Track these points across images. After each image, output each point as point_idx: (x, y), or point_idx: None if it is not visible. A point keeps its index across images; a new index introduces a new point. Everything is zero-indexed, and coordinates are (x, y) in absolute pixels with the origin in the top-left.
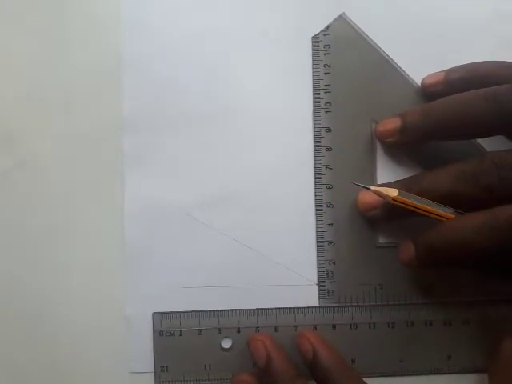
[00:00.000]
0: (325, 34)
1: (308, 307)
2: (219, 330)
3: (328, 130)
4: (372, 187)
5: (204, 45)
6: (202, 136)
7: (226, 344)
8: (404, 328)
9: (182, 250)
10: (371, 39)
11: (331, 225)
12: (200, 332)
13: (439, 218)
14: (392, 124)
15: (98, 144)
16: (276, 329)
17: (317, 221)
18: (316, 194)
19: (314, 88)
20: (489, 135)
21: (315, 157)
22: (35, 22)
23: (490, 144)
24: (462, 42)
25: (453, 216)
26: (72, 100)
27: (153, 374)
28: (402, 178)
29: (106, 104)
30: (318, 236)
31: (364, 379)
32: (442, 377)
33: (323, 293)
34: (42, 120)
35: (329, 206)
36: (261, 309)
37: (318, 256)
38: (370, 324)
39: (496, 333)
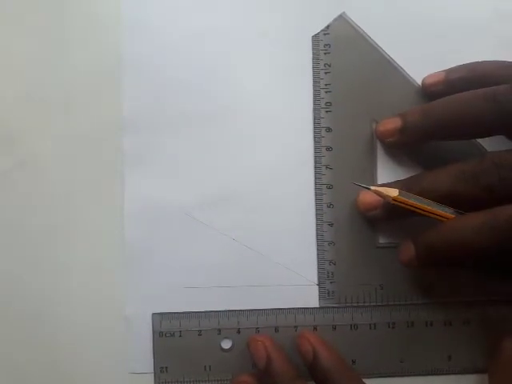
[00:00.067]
0: (325, 34)
1: (308, 308)
2: (219, 330)
3: (328, 129)
4: (372, 187)
5: (204, 45)
6: (201, 136)
7: (226, 345)
8: (404, 328)
9: (182, 250)
10: (371, 39)
11: (331, 225)
12: (200, 333)
13: (439, 217)
14: (392, 124)
15: (97, 144)
16: (276, 329)
17: (317, 221)
18: (316, 194)
19: (314, 88)
20: (489, 135)
21: (315, 157)
22: (35, 22)
23: (490, 144)
24: (462, 42)
25: (453, 216)
26: (72, 100)
27: (152, 374)
28: (402, 177)
29: (106, 104)
30: (318, 236)
31: (364, 380)
32: (443, 377)
33: (323, 293)
34: (42, 120)
35: (329, 206)
36: (261, 309)
37: (318, 256)
38: (370, 324)
39: (496, 333)
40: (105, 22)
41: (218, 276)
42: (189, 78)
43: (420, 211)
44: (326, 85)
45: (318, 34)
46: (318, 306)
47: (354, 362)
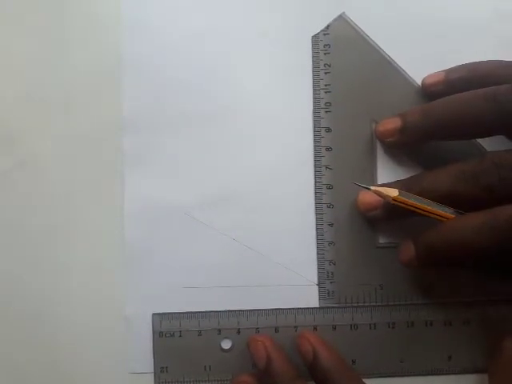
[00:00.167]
0: (325, 34)
1: (308, 308)
2: (219, 330)
3: (328, 129)
4: (372, 187)
5: (204, 45)
6: (201, 136)
7: (226, 345)
8: (404, 328)
9: (182, 250)
10: (371, 39)
11: (331, 225)
12: (200, 333)
13: (439, 217)
14: (392, 124)
15: (98, 144)
16: (276, 329)
17: (317, 221)
18: (316, 194)
19: (314, 88)
20: (489, 135)
21: (315, 157)
22: (35, 22)
23: (490, 144)
24: (462, 41)
25: (453, 216)
26: (72, 100)
27: (152, 374)
28: (402, 177)
29: (106, 104)
30: (318, 236)
31: (364, 380)
32: (443, 377)
33: (323, 293)
34: (42, 120)
35: (329, 206)
36: (261, 309)
37: (318, 256)
38: (370, 324)
39: (496, 333)
40: (105, 22)
41: (218, 276)
42: (189, 78)
43: (420, 211)
44: (325, 85)
45: (318, 34)
46: (317, 306)
47: (353, 362)
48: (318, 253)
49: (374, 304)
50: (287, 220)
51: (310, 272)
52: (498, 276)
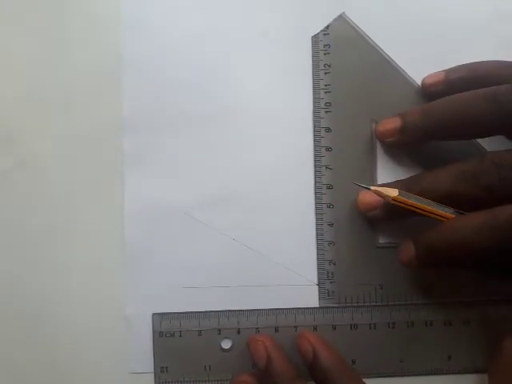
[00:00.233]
0: (325, 34)
1: (308, 308)
2: (219, 330)
3: (328, 129)
4: (372, 187)
5: (204, 45)
6: (201, 136)
7: (226, 345)
8: (404, 328)
9: (182, 250)
10: (371, 39)
11: (331, 225)
12: (200, 333)
13: (439, 217)
14: (392, 124)
15: (98, 144)
16: (276, 329)
17: (317, 221)
18: (316, 194)
19: (314, 88)
20: (489, 135)
21: (315, 157)
22: (35, 22)
23: (490, 144)
24: (462, 42)
25: (453, 216)
26: (72, 100)
27: (153, 374)
28: (402, 177)
29: (106, 104)
30: (318, 236)
31: (364, 380)
32: (443, 377)
33: (323, 293)
34: (42, 120)
35: (329, 206)
36: (261, 309)
37: (318, 256)
38: (370, 324)
39: (496, 333)
40: (105, 22)
41: (218, 276)
42: (189, 78)
43: (420, 211)
44: (325, 85)
45: (318, 34)
46: (317, 305)
47: (353, 361)
48: (317, 253)
49: (374, 304)
50: (287, 220)
51: (309, 272)
52: (497, 276)
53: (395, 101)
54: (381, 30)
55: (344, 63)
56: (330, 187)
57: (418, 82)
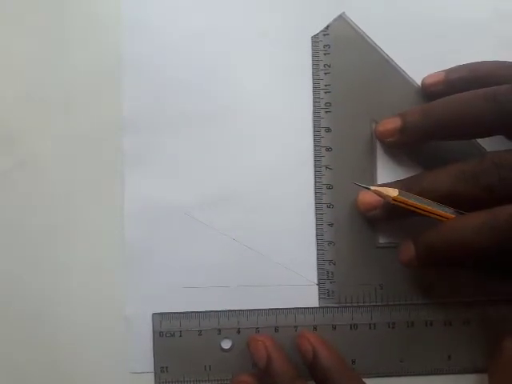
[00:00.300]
0: (325, 34)
1: (308, 307)
2: (219, 330)
3: (328, 129)
4: (372, 187)
5: (204, 45)
6: (202, 136)
7: (226, 345)
8: (404, 328)
9: (182, 250)
10: (371, 39)
11: (331, 225)
12: (200, 333)
13: (439, 217)
14: (392, 124)
15: (98, 144)
16: (276, 329)
17: (317, 221)
18: (316, 194)
19: (314, 88)
20: (489, 135)
21: (315, 157)
22: (35, 22)
23: (490, 144)
24: (462, 42)
25: (453, 216)
26: (72, 100)
27: (153, 374)
28: (402, 177)
29: (106, 104)
30: (318, 236)
31: (364, 379)
32: (443, 377)
33: (323, 293)
34: (42, 120)
35: (329, 206)
36: (261, 309)
37: (317, 256)
38: (370, 324)
39: (496, 333)
40: (105, 22)
41: (218, 276)
42: (189, 78)
43: (420, 211)
44: (325, 85)
45: (318, 34)
46: (317, 305)
47: (353, 361)
48: (317, 253)
49: (374, 304)
50: (287, 220)
51: (309, 272)
52: (497, 276)
53: (395, 101)
54: (381, 30)
55: (344, 63)
56: (329, 187)
57: (418, 82)
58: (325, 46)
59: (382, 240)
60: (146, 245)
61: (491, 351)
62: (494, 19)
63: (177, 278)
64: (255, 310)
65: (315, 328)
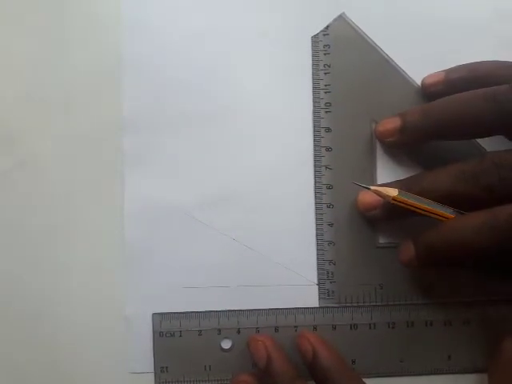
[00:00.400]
0: (324, 34)
1: (308, 307)
2: (219, 330)
3: (328, 129)
4: (372, 187)
5: (204, 45)
6: (202, 136)
7: (226, 345)
8: (404, 328)
9: (182, 250)
10: (371, 39)
11: (331, 225)
12: (200, 333)
13: (439, 217)
14: (392, 124)
15: (98, 144)
16: (276, 329)
17: (317, 221)
18: (316, 194)
19: (314, 88)
20: (489, 135)
21: (315, 157)
22: (35, 22)
23: (490, 144)
24: (462, 42)
25: (453, 216)
26: (72, 100)
27: (153, 374)
28: (401, 177)
29: (106, 104)
30: (318, 236)
31: (364, 379)
32: (442, 377)
33: (323, 293)
34: (42, 120)
35: (329, 206)
36: (261, 309)
37: (317, 256)
38: (370, 324)
39: (496, 333)
40: (105, 22)
41: (218, 276)
42: (189, 78)
43: (420, 211)
44: (325, 85)
45: (318, 34)
46: (317, 305)
47: (353, 361)
48: (317, 253)
49: (374, 304)
50: (287, 220)
51: (309, 272)
52: (497, 276)
53: (395, 101)
54: (381, 30)
55: (344, 63)
56: (329, 187)
57: (418, 82)
58: (325, 46)
59: (382, 240)
60: (146, 245)
61: (491, 351)
62: (494, 19)
63: (177, 278)
64: (255, 310)
65: (315, 328)
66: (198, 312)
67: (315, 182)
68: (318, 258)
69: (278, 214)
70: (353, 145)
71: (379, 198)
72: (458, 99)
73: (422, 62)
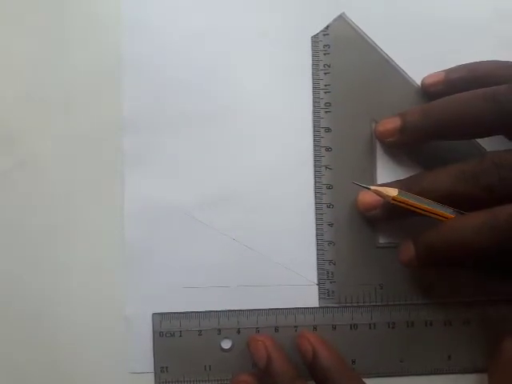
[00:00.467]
0: (324, 34)
1: (308, 307)
2: (219, 330)
3: (328, 129)
4: (372, 187)
5: (204, 45)
6: (202, 136)
7: (226, 345)
8: (404, 328)
9: (182, 250)
10: (371, 39)
11: (331, 225)
12: (200, 333)
13: (439, 217)
14: (392, 124)
15: (98, 144)
16: (276, 329)
17: (317, 221)
18: (316, 194)
19: (314, 88)
20: (488, 135)
21: (315, 157)
22: (35, 22)
23: (490, 144)
24: (462, 42)
25: (453, 216)
26: (72, 100)
27: (153, 374)
28: (401, 177)
29: (106, 104)
30: (318, 236)
31: (364, 379)
32: (442, 377)
33: (323, 293)
34: (42, 120)
35: (329, 206)
36: (261, 309)
37: (317, 256)
38: (370, 324)
39: (496, 333)
40: (105, 22)
41: (218, 276)
42: (189, 78)
43: (420, 211)
44: (325, 85)
45: (318, 34)
46: (317, 305)
47: (353, 361)
48: (317, 253)
49: (374, 304)
50: (287, 220)
51: (309, 272)
52: (497, 276)
53: (395, 101)
54: (381, 30)
55: (344, 63)
56: (329, 187)
57: (418, 82)
58: (325, 45)
59: (382, 240)
60: (146, 245)
61: (491, 351)
62: (494, 19)
63: (177, 278)
64: (255, 310)
65: (315, 328)
66: (197, 312)
67: (315, 182)
68: (317, 258)
69: (278, 214)
70: (353, 145)
71: (379, 198)
72: (458, 99)
73: (421, 62)
